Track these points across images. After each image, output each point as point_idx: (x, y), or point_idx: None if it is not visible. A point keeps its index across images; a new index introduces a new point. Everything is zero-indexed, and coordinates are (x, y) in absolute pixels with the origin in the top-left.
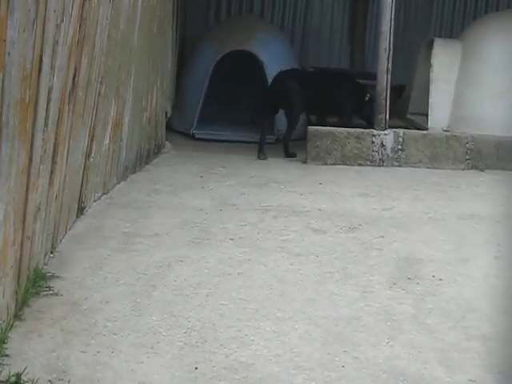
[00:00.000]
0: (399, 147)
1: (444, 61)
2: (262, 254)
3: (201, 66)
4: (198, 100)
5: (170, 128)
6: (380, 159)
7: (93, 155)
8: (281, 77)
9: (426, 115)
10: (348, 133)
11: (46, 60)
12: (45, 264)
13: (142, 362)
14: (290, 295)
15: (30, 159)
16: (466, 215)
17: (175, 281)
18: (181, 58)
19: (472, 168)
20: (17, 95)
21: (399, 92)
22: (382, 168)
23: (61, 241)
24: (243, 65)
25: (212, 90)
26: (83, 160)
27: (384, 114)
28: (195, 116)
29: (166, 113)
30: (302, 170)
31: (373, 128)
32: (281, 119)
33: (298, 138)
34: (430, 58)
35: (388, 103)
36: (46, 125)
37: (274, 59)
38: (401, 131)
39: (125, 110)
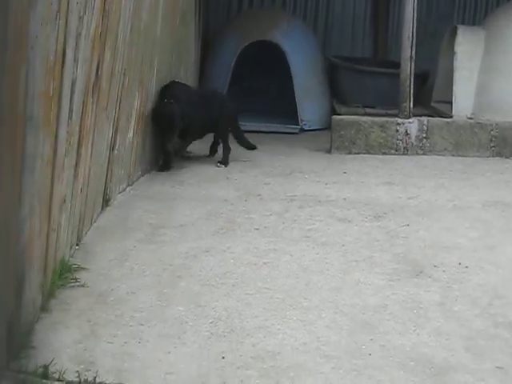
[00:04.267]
0: (423, 135)
1: (467, 48)
2: (287, 243)
3: (224, 56)
4: (221, 90)
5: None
6: (404, 148)
7: (117, 147)
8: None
9: (450, 103)
10: (372, 122)
11: (70, 52)
12: (71, 256)
13: (169, 352)
14: (316, 284)
15: (55, 152)
16: (492, 202)
17: (201, 271)
18: (204, 49)
19: (497, 155)
20: (40, 88)
21: (423, 80)
22: (406, 156)
23: (86, 233)
24: (266, 55)
25: (235, 81)
26: (108, 152)
27: (408, 102)
28: None
29: None
30: (326, 159)
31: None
32: (305, 108)
33: (322, 127)
34: (453, 46)
35: (412, 91)
36: (70, 117)
37: (297, 49)
38: (425, 119)
39: (148, 101)
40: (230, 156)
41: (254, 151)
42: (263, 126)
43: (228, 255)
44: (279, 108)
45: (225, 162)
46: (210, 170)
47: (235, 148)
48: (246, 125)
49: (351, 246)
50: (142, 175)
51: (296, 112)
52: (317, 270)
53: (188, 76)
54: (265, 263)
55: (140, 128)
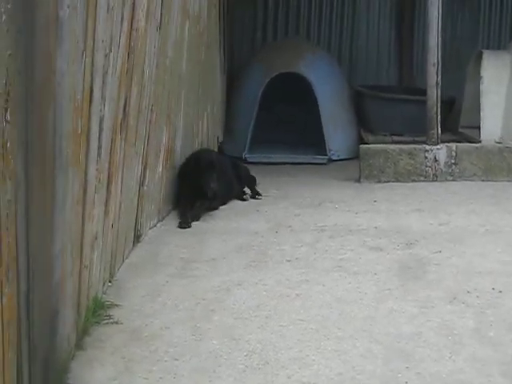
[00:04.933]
0: (452, 161)
1: (494, 73)
2: (319, 274)
3: (250, 89)
4: (248, 123)
5: (222, 152)
6: (434, 174)
7: (147, 183)
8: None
9: (478, 128)
10: (400, 149)
11: (97, 90)
12: (104, 293)
13: None
14: (349, 314)
15: (85, 189)
16: None
17: (234, 304)
18: (229, 81)
19: None
20: (69, 126)
21: (450, 105)
22: (436, 183)
23: (118, 269)
24: (292, 86)
25: (262, 113)
26: (137, 188)
27: (436, 129)
28: (247, 140)
29: (218, 138)
30: (355, 188)
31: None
32: (332, 138)
33: (351, 156)
34: (479, 71)
35: (439, 117)
36: (99, 154)
37: (323, 79)
38: (453, 145)
39: (176, 136)
40: (259, 188)
41: (284, 183)
42: (291, 158)
43: (260, 287)
44: (307, 138)
45: (254, 193)
46: (240, 204)
47: (263, 181)
48: (273, 156)
49: (383, 275)
50: (173, 209)
51: (324, 142)
52: (350, 299)
53: (215, 111)
54: (297, 294)
55: (169, 163)
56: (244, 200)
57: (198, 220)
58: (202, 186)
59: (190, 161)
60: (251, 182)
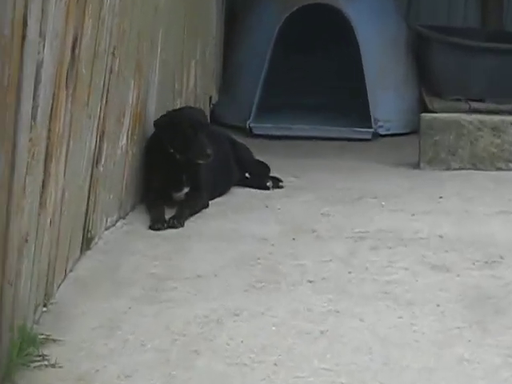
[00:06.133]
0: None
1: None
2: (355, 302)
3: (260, 30)
4: (256, 78)
5: (215, 120)
6: None
7: (103, 162)
8: None
9: None
10: (481, 122)
11: (32, 23)
12: (35, 322)
13: None
14: (398, 363)
15: (12, 169)
16: None
17: (228, 344)
18: (230, 17)
19: None
20: None
21: None
22: None
23: (59, 287)
24: (323, 25)
25: (276, 64)
26: (89, 169)
27: None
28: (253, 103)
29: (210, 98)
30: (412, 178)
31: None
32: (380, 103)
33: (406, 130)
34: None
35: None
36: (33, 117)
37: (368, 15)
38: None
39: (149, 94)
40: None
41: (305, 167)
42: (318, 130)
43: (268, 320)
44: (342, 103)
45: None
46: (241, 194)
47: (276, 163)
48: (291, 127)
49: (451, 307)
50: (141, 202)
51: (367, 109)
52: (399, 341)
53: (207, 58)
54: (322, 332)
55: (137, 133)
56: (267, 188)
57: (181, 223)
58: (188, 159)
59: (167, 124)
60: (259, 169)
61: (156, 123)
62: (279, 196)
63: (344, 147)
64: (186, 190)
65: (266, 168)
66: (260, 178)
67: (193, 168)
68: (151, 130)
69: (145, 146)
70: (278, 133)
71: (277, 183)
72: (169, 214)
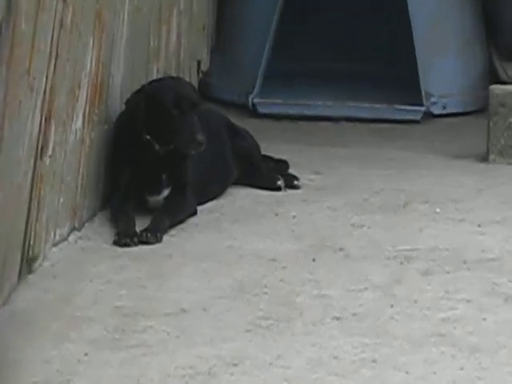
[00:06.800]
0: None
1: None
2: (399, 348)
3: None
4: (262, 40)
5: (206, 94)
6: None
7: (50, 152)
8: None
9: None
10: None
11: None
12: None
13: None
14: None
15: None
16: None
17: None
18: None
19: None
20: None
21: None
22: None
23: None
24: None
25: (289, 19)
26: (31, 162)
27: None
28: (258, 71)
29: (199, 63)
30: (478, 175)
31: None
32: (435, 73)
33: (470, 108)
34: None
35: None
36: None
37: None
38: None
39: (113, 57)
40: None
41: (330, 160)
42: (348, 108)
43: (278, 372)
44: (380, 71)
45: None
46: (241, 198)
47: (288, 155)
48: (311, 105)
49: None
50: (103, 208)
51: (416, 79)
52: None
53: (195, 8)
54: None
55: (98, 112)
56: (277, 189)
57: (158, 237)
58: (170, 150)
59: (142, 102)
60: (267, 163)
61: (128, 102)
62: (294, 200)
63: (383, 132)
64: (165, 191)
65: (277, 162)
66: (268, 174)
67: (176, 162)
68: (119, 108)
69: (110, 130)
70: (291, 111)
71: (291, 182)
72: (142, 224)
